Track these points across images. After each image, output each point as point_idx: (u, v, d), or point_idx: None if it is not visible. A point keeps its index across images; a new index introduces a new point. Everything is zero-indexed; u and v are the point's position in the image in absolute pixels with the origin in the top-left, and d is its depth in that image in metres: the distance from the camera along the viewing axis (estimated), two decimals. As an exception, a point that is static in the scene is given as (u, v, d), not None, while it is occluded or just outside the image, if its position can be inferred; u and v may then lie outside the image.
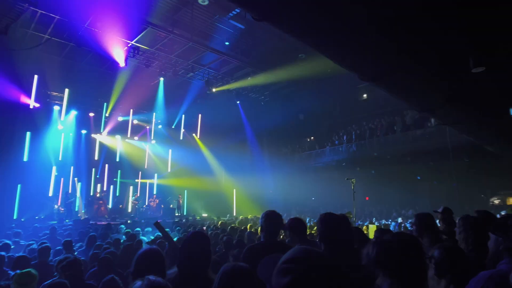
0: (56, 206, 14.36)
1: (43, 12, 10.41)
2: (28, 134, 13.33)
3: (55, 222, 11.90)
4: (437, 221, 3.32)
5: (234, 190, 18.63)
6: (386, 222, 12.15)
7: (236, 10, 11.87)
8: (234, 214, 17.29)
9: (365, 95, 19.30)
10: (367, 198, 18.24)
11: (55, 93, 14.57)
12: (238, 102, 17.62)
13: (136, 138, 17.91)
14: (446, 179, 14.02)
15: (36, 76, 12.94)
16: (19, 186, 12.67)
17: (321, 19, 3.36)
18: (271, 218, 2.73)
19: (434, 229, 2.89)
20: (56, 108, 14.72)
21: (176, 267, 2.06)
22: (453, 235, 3.10)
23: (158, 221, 3.82)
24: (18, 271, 3.19)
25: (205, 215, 17.15)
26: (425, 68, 4.76)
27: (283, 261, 0.87)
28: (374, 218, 13.70)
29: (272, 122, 17.85)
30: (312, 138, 21.16)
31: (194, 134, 18.87)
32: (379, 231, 2.53)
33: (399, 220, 12.61)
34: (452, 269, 1.70)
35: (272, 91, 17.80)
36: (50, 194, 14.37)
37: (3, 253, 4.20)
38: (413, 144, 14.70)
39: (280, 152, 20.82)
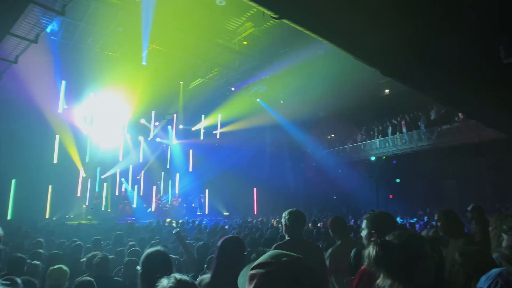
0: (84, 206, 14.94)
1: (69, 20, 10.85)
2: (57, 137, 13.92)
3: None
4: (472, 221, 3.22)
5: (255, 189, 18.68)
6: (411, 221, 11.79)
7: (254, 9, 11.87)
8: (255, 213, 17.35)
9: (387, 90, 18.81)
10: (390, 196, 17.78)
11: (81, 97, 15.12)
12: (258, 100, 17.64)
13: (158, 139, 18.32)
14: (475, 176, 13.45)
15: (63, 82, 13.49)
16: (50, 186, 13.28)
17: (344, 15, 3.30)
18: (295, 216, 2.75)
19: (459, 223, 2.85)
20: (82, 111, 15.28)
21: (210, 272, 2.06)
22: (487, 235, 2.97)
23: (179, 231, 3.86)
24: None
25: (226, 214, 17.30)
26: (451, 61, 4.58)
27: (251, 267, 0.86)
28: (398, 217, 13.34)
29: (291, 120, 17.75)
30: (332, 135, 20.87)
31: (214, 132, 19.00)
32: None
33: (425, 218, 12.21)
34: None
35: (291, 88, 17.68)
36: (79, 194, 14.96)
37: (40, 250, 4.43)
38: (439, 140, 14.20)
39: (300, 150, 20.67)
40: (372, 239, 1.92)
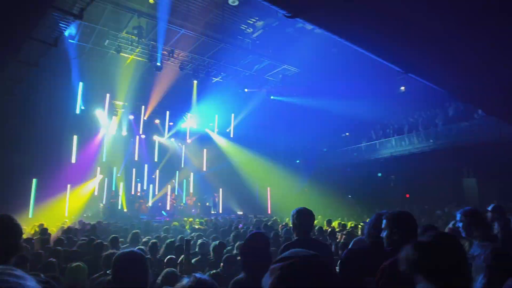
0: (101, 205, 15.29)
1: (86, 23, 11.11)
2: (75, 137, 14.29)
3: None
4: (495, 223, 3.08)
5: (269, 188, 18.66)
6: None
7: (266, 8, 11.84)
8: (269, 212, 17.33)
9: (402, 88, 18.44)
10: (407, 196, 17.44)
11: (98, 98, 15.46)
12: (272, 97, 17.62)
13: (172, 139, 18.56)
14: (497, 175, 13.01)
15: (81, 83, 13.82)
16: (68, 186, 13.65)
17: (359, 12, 3.25)
18: (303, 215, 2.70)
19: (484, 224, 2.69)
20: (99, 112, 15.63)
21: (242, 271, 2.04)
22: (509, 235, 2.87)
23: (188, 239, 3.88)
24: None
25: (240, 212, 17.35)
26: (470, 55, 4.44)
27: (273, 262, 0.91)
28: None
29: (305, 118, 17.64)
30: (347, 134, 20.61)
31: (227, 130, 19.05)
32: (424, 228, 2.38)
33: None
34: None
35: (305, 87, 17.58)
36: (96, 193, 15.32)
37: (58, 247, 4.55)
38: (457, 137, 13.80)
39: (314, 149, 20.51)
40: (395, 237, 1.89)
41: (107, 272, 3.43)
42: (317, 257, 0.89)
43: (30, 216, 11.99)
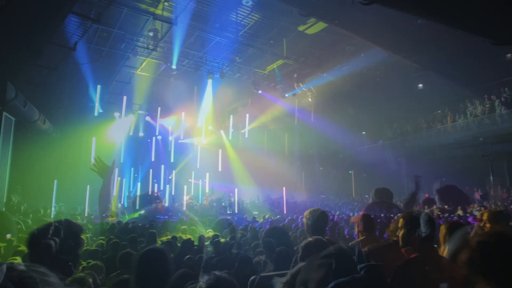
0: (119, 205, 15.58)
1: (103, 27, 11.36)
2: (93, 139, 14.63)
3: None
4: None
5: (284, 188, 18.56)
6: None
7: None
8: (285, 212, 17.23)
9: (420, 85, 17.98)
10: (426, 195, 16.97)
11: (115, 101, 15.81)
12: (287, 95, 17.55)
13: (188, 140, 18.74)
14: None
15: (99, 86, 14.16)
16: (88, 186, 13.98)
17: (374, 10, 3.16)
18: (316, 216, 2.71)
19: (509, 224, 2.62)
20: (116, 114, 15.96)
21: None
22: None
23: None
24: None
25: (255, 213, 17.34)
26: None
27: (311, 258, 1.08)
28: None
29: (321, 118, 17.45)
30: (363, 133, 20.26)
31: (242, 131, 19.09)
32: (451, 226, 2.27)
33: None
34: None
35: (320, 86, 17.40)
36: (114, 193, 15.62)
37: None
38: (480, 134, 13.32)
39: (330, 149, 20.27)
40: (411, 237, 1.85)
41: (124, 270, 3.48)
42: (343, 251, 1.07)
43: (52, 216, 12.35)
